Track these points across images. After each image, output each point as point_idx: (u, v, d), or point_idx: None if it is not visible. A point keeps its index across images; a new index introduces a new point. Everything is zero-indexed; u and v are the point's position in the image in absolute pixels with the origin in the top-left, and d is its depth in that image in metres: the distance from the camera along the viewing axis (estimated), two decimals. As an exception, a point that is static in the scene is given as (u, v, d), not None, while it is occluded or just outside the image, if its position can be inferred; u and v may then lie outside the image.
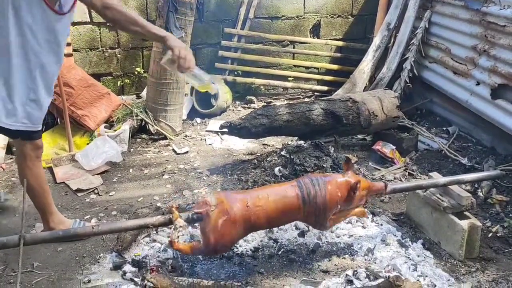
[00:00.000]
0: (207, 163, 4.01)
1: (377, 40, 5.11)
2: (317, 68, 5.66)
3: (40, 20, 2.37)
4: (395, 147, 4.04)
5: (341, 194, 2.47)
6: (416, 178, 3.73)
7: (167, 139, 4.40)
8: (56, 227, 2.80)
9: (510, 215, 3.23)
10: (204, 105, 4.98)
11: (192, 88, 4.95)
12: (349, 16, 5.66)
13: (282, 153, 3.66)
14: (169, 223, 2.35)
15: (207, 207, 2.32)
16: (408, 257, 2.75)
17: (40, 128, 2.62)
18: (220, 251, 2.43)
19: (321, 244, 2.86)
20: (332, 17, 5.61)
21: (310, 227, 2.97)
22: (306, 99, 5.42)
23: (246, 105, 5.32)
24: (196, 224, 2.71)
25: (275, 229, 2.91)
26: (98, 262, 2.72)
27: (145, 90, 4.77)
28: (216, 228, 2.29)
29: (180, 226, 2.29)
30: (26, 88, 2.45)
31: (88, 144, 4.03)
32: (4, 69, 2.39)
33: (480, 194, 3.45)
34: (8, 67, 2.39)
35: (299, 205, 2.42)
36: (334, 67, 5.62)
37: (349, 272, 2.59)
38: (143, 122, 4.43)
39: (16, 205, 3.30)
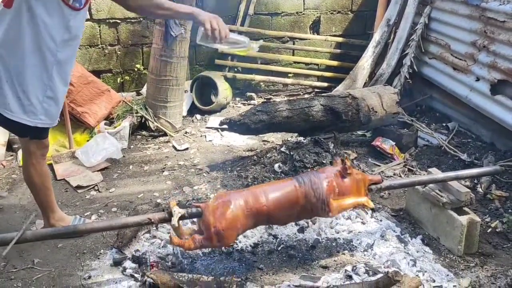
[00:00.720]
0: (207, 159, 4.02)
1: (377, 36, 5.11)
2: (317, 65, 5.66)
3: (56, 17, 2.36)
4: (394, 143, 4.04)
5: (334, 174, 2.52)
6: (416, 174, 3.74)
7: (167, 135, 4.41)
8: (56, 224, 2.82)
9: (509, 210, 3.24)
10: (204, 102, 4.98)
11: (192, 84, 4.96)
12: (349, 12, 5.66)
13: (282, 149, 3.67)
14: (169, 219, 2.37)
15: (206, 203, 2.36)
16: (407, 253, 2.76)
17: (56, 124, 2.62)
18: (222, 238, 2.32)
19: (320, 240, 2.87)
20: (331, 13, 5.60)
21: (310, 223, 2.99)
22: (306, 96, 5.42)
23: (246, 102, 5.32)
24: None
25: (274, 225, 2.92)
26: (98, 258, 2.73)
27: (145, 87, 4.77)
28: (215, 209, 2.32)
29: (179, 213, 2.32)
30: (42, 85, 2.46)
31: (88, 141, 4.04)
32: (18, 66, 2.39)
33: (479, 189, 3.46)
34: (22, 65, 2.38)
35: (295, 186, 2.46)
36: (334, 63, 5.62)
37: (349, 268, 2.60)
38: (143, 119, 4.44)
39: (17, 202, 3.31)
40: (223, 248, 2.72)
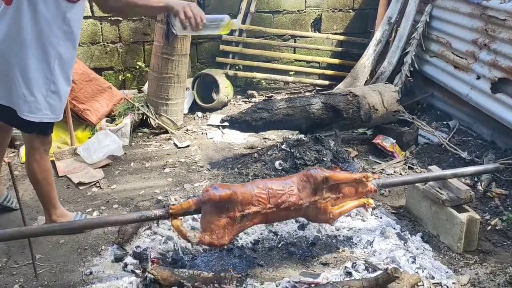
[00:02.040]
0: (208, 156, 4.03)
1: (378, 34, 5.11)
2: (318, 63, 5.66)
3: (54, 9, 2.39)
4: (395, 141, 4.05)
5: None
6: (416, 171, 3.75)
7: (168, 133, 4.42)
8: (58, 220, 2.83)
9: (509, 208, 3.24)
10: (205, 99, 4.99)
11: (194, 82, 4.97)
12: (350, 10, 5.66)
13: (283, 146, 3.68)
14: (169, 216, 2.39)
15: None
16: (407, 250, 2.77)
17: (61, 118, 2.65)
18: (219, 188, 2.34)
19: (320, 237, 2.88)
20: (333, 11, 5.61)
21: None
22: (307, 94, 5.43)
23: (247, 99, 5.33)
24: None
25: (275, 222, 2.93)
26: (100, 254, 2.75)
27: (146, 84, 4.78)
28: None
29: (175, 199, 2.34)
30: (45, 80, 2.48)
31: (89, 138, 4.05)
32: (22, 62, 2.42)
33: (479, 187, 3.46)
34: (25, 60, 2.42)
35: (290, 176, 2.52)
36: (335, 61, 5.62)
37: (348, 264, 2.61)
38: (145, 116, 4.45)
39: (20, 197, 3.32)
40: (225, 245, 2.74)
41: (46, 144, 2.69)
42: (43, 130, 2.61)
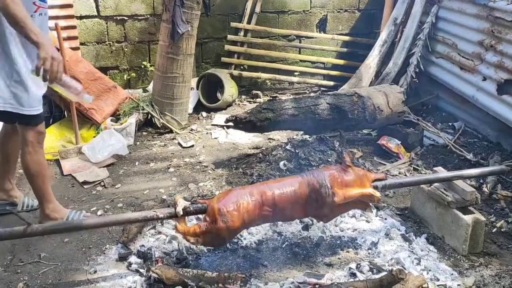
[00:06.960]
0: (212, 156, 4.03)
1: (383, 35, 5.10)
2: (323, 63, 5.66)
3: None
4: (400, 142, 4.04)
5: (335, 169, 2.56)
6: (421, 173, 3.73)
7: (173, 132, 4.42)
8: (51, 214, 2.85)
9: (515, 210, 3.23)
10: (210, 99, 4.99)
11: (199, 81, 4.98)
12: (356, 11, 5.65)
13: (287, 147, 3.68)
14: (174, 214, 2.39)
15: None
16: (412, 251, 2.76)
17: (35, 113, 2.64)
18: (228, 220, 2.36)
19: (325, 237, 2.88)
20: (338, 11, 5.60)
21: (315, 221, 2.99)
22: (312, 94, 5.42)
23: (252, 100, 5.33)
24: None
25: (279, 222, 2.93)
26: (104, 253, 2.75)
27: (151, 83, 4.79)
28: (220, 197, 2.42)
29: (183, 203, 2.35)
30: (8, 68, 2.51)
31: (94, 137, 4.06)
32: None
33: (485, 189, 3.45)
34: None
35: (298, 178, 2.52)
36: (340, 62, 5.62)
37: (353, 266, 2.60)
38: (149, 115, 4.46)
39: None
40: (228, 244, 2.74)
41: (38, 136, 2.70)
42: (25, 120, 2.61)
